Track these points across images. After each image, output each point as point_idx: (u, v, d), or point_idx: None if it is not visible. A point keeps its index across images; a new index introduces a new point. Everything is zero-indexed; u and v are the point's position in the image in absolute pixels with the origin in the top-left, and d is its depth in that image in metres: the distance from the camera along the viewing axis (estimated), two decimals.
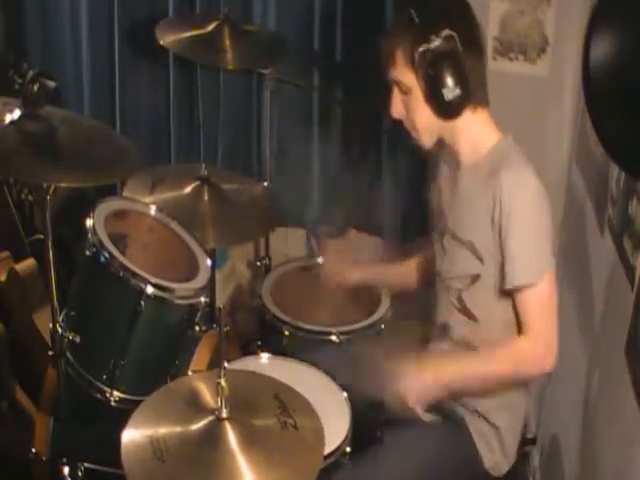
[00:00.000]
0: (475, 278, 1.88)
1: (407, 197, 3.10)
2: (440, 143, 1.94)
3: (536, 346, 1.81)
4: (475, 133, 1.89)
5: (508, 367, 1.84)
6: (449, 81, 1.78)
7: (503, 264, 1.81)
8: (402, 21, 1.85)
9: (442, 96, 1.79)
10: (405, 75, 1.83)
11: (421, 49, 1.78)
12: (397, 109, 1.90)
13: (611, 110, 1.16)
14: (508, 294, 1.84)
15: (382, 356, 1.91)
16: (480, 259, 1.86)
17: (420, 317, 2.15)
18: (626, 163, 1.21)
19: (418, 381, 1.83)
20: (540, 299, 1.80)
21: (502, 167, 1.81)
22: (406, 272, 2.31)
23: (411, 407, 1.83)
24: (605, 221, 2.04)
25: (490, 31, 2.65)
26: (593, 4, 1.15)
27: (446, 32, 1.76)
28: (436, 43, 1.77)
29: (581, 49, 1.16)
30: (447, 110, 1.82)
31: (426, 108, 1.84)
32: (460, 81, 1.78)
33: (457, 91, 1.78)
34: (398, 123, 1.94)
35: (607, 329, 1.96)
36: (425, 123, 1.87)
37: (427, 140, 1.92)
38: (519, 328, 1.85)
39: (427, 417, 1.87)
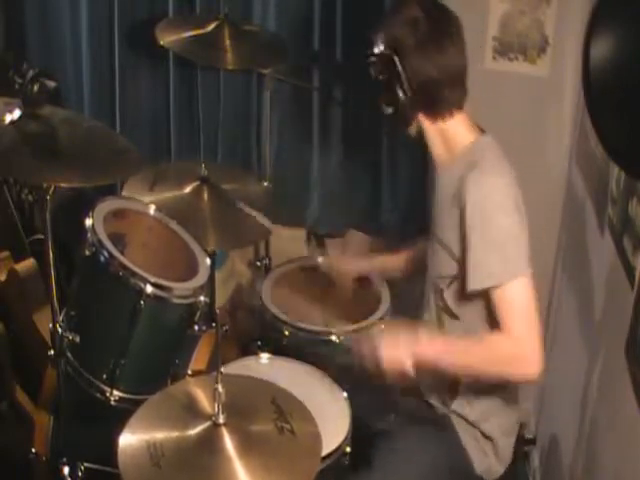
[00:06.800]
0: (453, 279, 1.89)
1: (407, 197, 3.11)
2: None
3: (517, 348, 1.75)
4: (442, 136, 1.89)
5: (490, 364, 1.79)
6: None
7: (465, 267, 1.80)
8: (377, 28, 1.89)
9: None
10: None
11: (375, 60, 1.84)
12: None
13: (611, 110, 1.16)
14: (482, 294, 1.82)
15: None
16: (456, 261, 1.86)
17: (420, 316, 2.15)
18: (626, 163, 1.21)
19: (395, 346, 1.80)
20: (511, 302, 1.76)
21: (470, 169, 1.81)
22: (396, 262, 2.35)
23: (380, 370, 1.81)
24: (605, 221, 2.04)
25: (490, 31, 2.66)
26: (593, 4, 1.15)
27: (389, 47, 1.80)
28: (380, 58, 1.82)
29: (581, 49, 1.16)
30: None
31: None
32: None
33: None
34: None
35: (607, 329, 1.96)
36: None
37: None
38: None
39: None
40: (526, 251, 1.78)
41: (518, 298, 1.76)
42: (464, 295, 1.87)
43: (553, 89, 2.67)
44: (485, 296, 1.82)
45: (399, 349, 1.80)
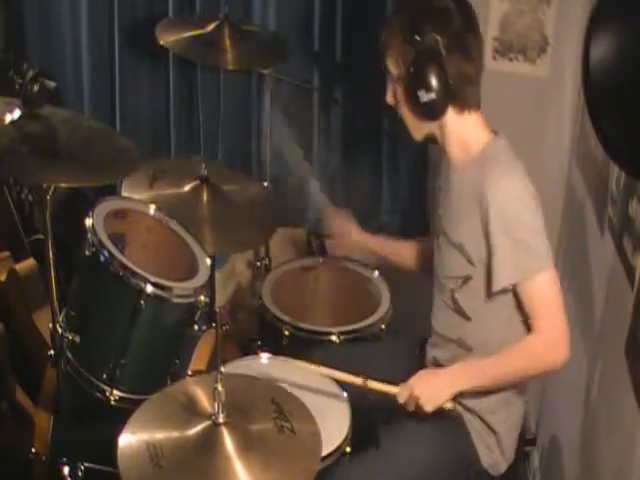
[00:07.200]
0: (467, 279, 1.89)
1: (407, 197, 3.11)
2: (436, 141, 1.94)
3: (546, 339, 1.81)
4: (463, 134, 1.88)
5: (523, 366, 1.84)
6: (425, 84, 1.78)
7: (490, 267, 1.82)
8: (398, 15, 1.88)
9: (417, 97, 1.80)
10: (393, 67, 1.86)
11: (405, 47, 1.80)
12: (389, 96, 1.91)
13: (611, 110, 1.16)
14: (500, 294, 1.84)
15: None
16: (470, 261, 1.87)
17: (420, 316, 2.14)
18: (626, 163, 1.21)
19: (433, 390, 1.85)
20: (539, 294, 1.80)
21: (489, 171, 1.81)
22: (409, 252, 2.29)
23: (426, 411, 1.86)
24: (605, 221, 2.04)
25: (490, 31, 2.65)
26: (593, 4, 1.15)
27: (430, 35, 1.77)
28: (419, 44, 1.78)
29: (581, 49, 1.16)
30: (422, 111, 1.83)
31: (407, 104, 1.85)
32: (437, 85, 1.77)
33: (432, 95, 1.79)
34: (397, 119, 1.94)
35: (607, 329, 1.96)
36: (409, 118, 1.89)
37: (415, 133, 1.93)
38: (527, 325, 1.86)
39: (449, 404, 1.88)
40: (549, 245, 1.81)
41: (545, 290, 1.80)
42: (478, 296, 1.88)
43: (553, 89, 2.67)
44: (501, 297, 1.84)
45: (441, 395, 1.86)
